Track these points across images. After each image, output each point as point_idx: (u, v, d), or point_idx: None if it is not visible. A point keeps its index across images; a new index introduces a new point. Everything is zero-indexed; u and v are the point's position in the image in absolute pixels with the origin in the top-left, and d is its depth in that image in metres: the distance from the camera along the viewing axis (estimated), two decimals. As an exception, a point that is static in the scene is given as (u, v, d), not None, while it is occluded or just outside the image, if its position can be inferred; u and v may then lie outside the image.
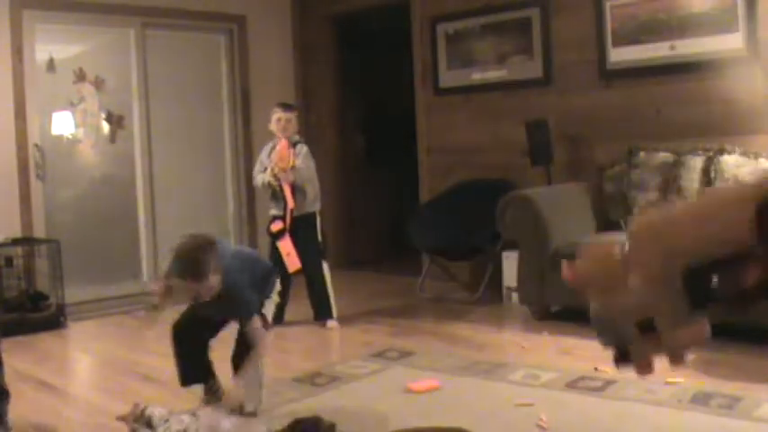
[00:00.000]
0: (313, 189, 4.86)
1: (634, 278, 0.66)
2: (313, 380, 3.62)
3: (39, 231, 5.51)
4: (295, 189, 4.76)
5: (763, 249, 0.62)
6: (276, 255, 4.75)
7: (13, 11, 5.41)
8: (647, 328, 0.66)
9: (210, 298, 2.93)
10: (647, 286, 0.65)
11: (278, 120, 4.85)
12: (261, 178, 4.87)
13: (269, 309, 3.28)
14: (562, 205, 4.76)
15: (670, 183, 4.62)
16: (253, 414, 3.07)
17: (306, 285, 4.87)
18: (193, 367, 3.14)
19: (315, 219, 4.87)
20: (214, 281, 2.88)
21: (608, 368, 3.57)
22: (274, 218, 4.84)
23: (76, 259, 5.62)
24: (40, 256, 5.31)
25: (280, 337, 4.61)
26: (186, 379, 3.13)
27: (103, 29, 5.98)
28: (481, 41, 5.85)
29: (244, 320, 3.07)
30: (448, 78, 6.07)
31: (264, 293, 3.25)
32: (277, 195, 4.81)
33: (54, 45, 5.76)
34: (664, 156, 4.70)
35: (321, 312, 4.81)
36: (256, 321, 3.08)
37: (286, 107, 4.99)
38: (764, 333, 3.70)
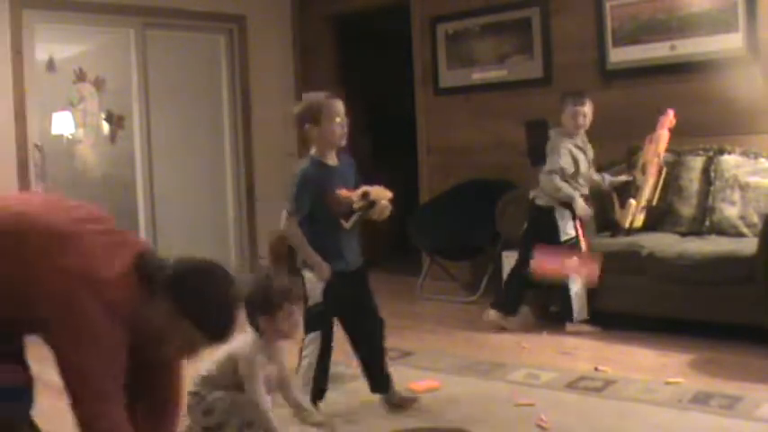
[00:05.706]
0: None
1: None
2: (313, 380, 3.61)
3: (39, 231, 5.50)
4: None
5: None
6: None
7: (13, 11, 5.40)
8: None
9: None
10: None
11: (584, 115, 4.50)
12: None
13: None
14: (562, 205, 4.74)
15: (670, 183, 4.61)
16: None
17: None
18: None
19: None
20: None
21: (608, 368, 3.57)
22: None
23: (76, 259, 5.61)
24: (40, 256, 5.30)
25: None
26: None
27: (103, 29, 5.98)
28: (481, 41, 5.85)
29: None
30: (448, 78, 6.06)
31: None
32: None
33: (54, 45, 5.75)
34: (664, 156, 4.70)
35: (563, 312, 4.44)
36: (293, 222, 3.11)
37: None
38: (764, 333, 3.70)
